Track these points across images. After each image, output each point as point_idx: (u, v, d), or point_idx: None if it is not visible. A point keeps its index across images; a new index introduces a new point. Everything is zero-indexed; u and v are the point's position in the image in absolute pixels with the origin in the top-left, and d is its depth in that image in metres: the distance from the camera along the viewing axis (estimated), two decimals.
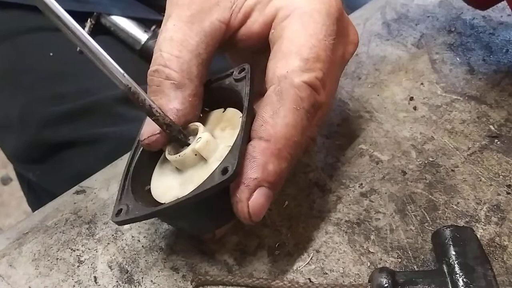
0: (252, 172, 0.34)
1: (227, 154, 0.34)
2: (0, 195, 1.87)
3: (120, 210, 0.37)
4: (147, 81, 0.39)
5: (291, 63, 0.36)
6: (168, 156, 0.38)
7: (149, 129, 0.38)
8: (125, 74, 0.34)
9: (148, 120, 0.38)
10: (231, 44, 0.42)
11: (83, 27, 0.68)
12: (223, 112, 0.41)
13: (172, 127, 0.37)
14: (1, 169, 1.94)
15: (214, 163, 0.36)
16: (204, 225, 0.38)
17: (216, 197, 0.34)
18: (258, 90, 0.39)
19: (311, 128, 0.40)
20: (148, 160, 0.41)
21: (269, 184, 0.34)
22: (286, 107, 0.35)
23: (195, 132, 0.38)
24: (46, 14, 0.31)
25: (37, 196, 0.70)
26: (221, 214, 0.37)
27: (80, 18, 0.69)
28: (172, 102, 0.38)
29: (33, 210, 0.76)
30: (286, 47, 0.37)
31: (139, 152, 0.41)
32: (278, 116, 0.35)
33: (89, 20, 0.69)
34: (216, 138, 0.38)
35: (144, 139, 0.38)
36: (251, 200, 0.34)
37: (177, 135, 0.37)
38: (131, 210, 0.36)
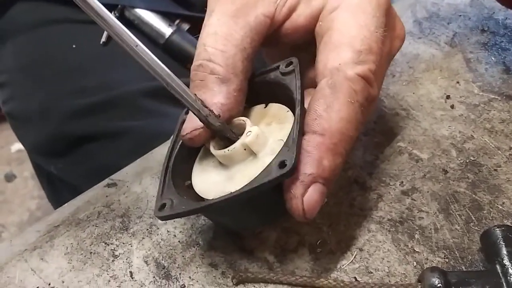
0: (307, 167, 0.33)
1: (282, 147, 0.33)
2: (3, 192, 1.86)
3: (164, 205, 0.35)
4: (191, 76, 0.38)
5: (344, 55, 0.35)
6: (214, 152, 0.37)
7: (191, 124, 0.37)
8: (165, 68, 0.33)
9: (191, 115, 0.37)
10: (275, 39, 0.41)
11: None
12: (265, 107, 0.40)
13: (216, 122, 0.36)
14: (5, 166, 1.93)
15: (265, 158, 0.35)
16: (250, 222, 0.37)
17: (268, 193, 0.33)
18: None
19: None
20: (187, 155, 0.40)
21: (323, 180, 0.33)
22: (341, 100, 0.34)
23: (240, 127, 0.37)
24: (88, 12, 0.31)
25: (57, 189, 0.69)
26: (270, 211, 0.36)
27: None
28: (216, 96, 0.37)
29: (52, 203, 0.75)
30: (336, 39, 0.36)
31: (178, 147, 0.40)
32: (332, 109, 0.34)
33: (113, 13, 0.68)
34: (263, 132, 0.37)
35: (186, 133, 0.37)
36: (306, 196, 0.33)
37: (222, 130, 0.36)
38: (175, 205, 0.35)
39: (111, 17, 0.31)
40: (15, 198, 1.82)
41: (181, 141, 0.39)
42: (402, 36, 0.41)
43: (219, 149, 0.36)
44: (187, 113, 0.39)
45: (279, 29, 0.40)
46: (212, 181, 0.37)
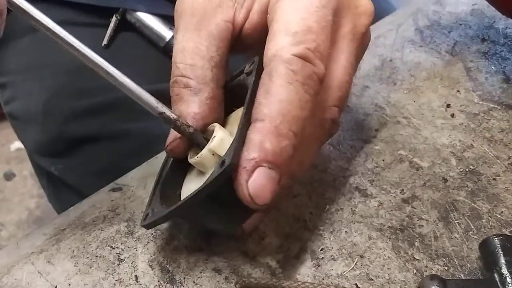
0: (248, 153, 0.33)
1: (229, 147, 0.34)
2: (2, 191, 1.86)
3: (147, 215, 0.38)
4: (170, 93, 0.40)
5: (280, 41, 0.35)
6: (190, 160, 0.38)
7: (171, 136, 0.39)
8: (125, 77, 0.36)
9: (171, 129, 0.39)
10: (240, 42, 0.42)
11: (109, 23, 0.68)
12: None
13: (187, 129, 0.37)
14: (5, 165, 1.93)
15: None
16: (225, 221, 0.38)
17: (226, 191, 0.34)
18: None
19: (326, 108, 0.39)
20: (181, 167, 0.41)
21: (269, 164, 0.33)
22: (278, 83, 0.34)
23: (212, 133, 0.38)
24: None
25: (57, 190, 0.70)
26: (237, 208, 0.35)
27: (106, 13, 0.69)
28: (190, 107, 0.39)
29: (52, 203, 0.75)
30: (276, 28, 0.36)
31: (171, 159, 0.42)
32: (270, 94, 0.34)
33: (114, 16, 0.69)
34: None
35: (167, 145, 0.39)
36: (250, 181, 0.33)
37: (196, 138, 0.37)
38: (155, 213, 0.37)
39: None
40: (14, 196, 1.82)
41: None
42: (370, 12, 0.41)
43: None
44: None
45: (241, 32, 0.41)
46: (192, 189, 0.37)
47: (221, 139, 0.37)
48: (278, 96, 0.34)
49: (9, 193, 1.85)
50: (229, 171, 0.33)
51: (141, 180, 0.47)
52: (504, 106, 0.51)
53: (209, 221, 0.39)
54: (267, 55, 0.35)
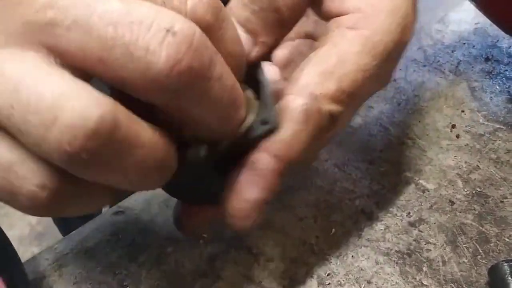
0: (263, 192, 0.32)
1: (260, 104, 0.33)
2: (4, 206, 1.84)
3: None
4: None
5: (328, 87, 0.34)
6: None
7: None
8: None
9: None
10: None
11: None
12: None
13: None
14: None
15: None
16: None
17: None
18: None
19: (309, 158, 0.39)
20: None
21: (267, 202, 0.32)
22: (308, 132, 0.33)
23: None
24: None
25: None
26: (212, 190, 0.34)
27: None
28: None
29: (55, 220, 0.75)
30: (331, 65, 0.34)
31: None
32: (298, 139, 0.32)
33: None
34: None
35: None
36: (254, 218, 0.32)
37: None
38: None
39: None
40: (16, 211, 1.80)
41: None
42: (387, 83, 0.39)
43: None
44: None
45: None
46: None
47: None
48: (302, 146, 0.33)
49: (10, 208, 1.83)
50: (272, 132, 0.32)
51: (145, 203, 0.46)
52: (509, 127, 0.50)
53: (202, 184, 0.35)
54: (309, 85, 0.34)
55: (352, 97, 0.35)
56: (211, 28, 0.26)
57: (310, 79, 0.34)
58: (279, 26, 0.35)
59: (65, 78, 0.24)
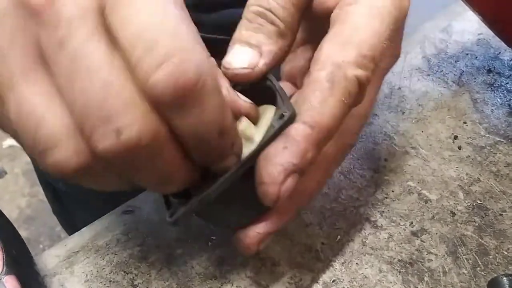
0: (293, 156, 0.32)
1: (275, 110, 0.34)
2: None
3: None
4: (246, 15, 0.38)
5: (349, 54, 0.35)
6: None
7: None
8: None
9: None
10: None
11: None
12: None
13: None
14: None
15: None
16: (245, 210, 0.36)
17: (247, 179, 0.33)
18: None
19: (351, 134, 0.40)
20: None
21: (300, 172, 0.33)
22: (337, 97, 0.34)
23: None
24: None
25: (64, 204, 0.70)
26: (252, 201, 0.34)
27: None
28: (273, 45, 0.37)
29: (58, 218, 0.75)
30: (347, 35, 0.36)
31: None
32: (327, 105, 0.33)
33: None
34: None
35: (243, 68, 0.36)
36: (284, 185, 0.32)
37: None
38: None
39: None
40: (4, 194, 1.81)
41: None
42: (398, 55, 0.42)
43: None
44: None
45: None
46: None
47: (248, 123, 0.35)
48: (333, 110, 0.34)
49: (0, 191, 1.83)
50: (291, 121, 0.33)
51: (154, 203, 0.47)
52: (509, 140, 0.52)
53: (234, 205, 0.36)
54: (329, 58, 0.35)
55: (374, 60, 0.36)
56: (171, 106, 0.26)
57: (331, 51, 0.35)
58: (279, 35, 0.37)
59: (63, 117, 0.26)
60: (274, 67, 0.37)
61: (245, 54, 0.36)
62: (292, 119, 0.33)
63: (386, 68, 0.41)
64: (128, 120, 0.25)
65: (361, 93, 0.36)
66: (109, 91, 0.25)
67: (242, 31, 0.37)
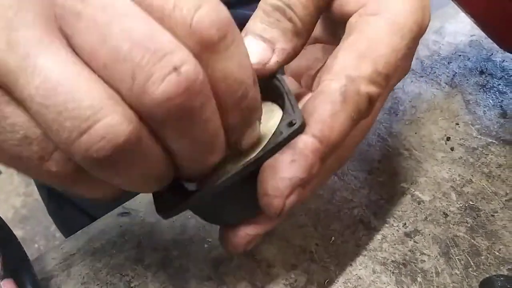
0: (301, 172, 0.32)
1: (283, 115, 0.34)
2: None
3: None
4: (261, 5, 0.37)
5: (364, 68, 0.34)
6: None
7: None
8: None
9: None
10: None
11: None
12: None
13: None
14: None
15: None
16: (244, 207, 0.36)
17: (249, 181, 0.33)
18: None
19: (352, 148, 0.40)
20: None
21: (304, 185, 0.33)
22: (347, 113, 0.33)
23: None
24: None
25: (59, 205, 0.70)
26: (249, 203, 0.34)
27: None
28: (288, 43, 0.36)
29: (54, 218, 0.76)
30: (365, 48, 0.35)
31: None
32: (337, 119, 0.33)
33: None
34: None
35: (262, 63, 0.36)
36: (289, 199, 0.32)
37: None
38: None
39: None
40: None
41: None
42: (408, 70, 0.42)
43: None
44: None
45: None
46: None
47: None
48: (342, 126, 0.33)
49: None
50: (301, 131, 0.32)
51: (150, 204, 0.47)
52: (501, 141, 0.53)
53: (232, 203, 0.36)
54: (345, 69, 0.34)
55: (388, 78, 0.35)
56: (215, 46, 0.26)
57: (346, 63, 0.35)
58: (295, 34, 0.36)
59: (99, 85, 0.24)
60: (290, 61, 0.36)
61: (257, 47, 0.35)
62: (302, 128, 0.32)
63: (397, 81, 0.41)
64: (182, 56, 0.24)
65: (369, 109, 0.35)
66: (153, 29, 0.24)
67: (258, 22, 0.35)
